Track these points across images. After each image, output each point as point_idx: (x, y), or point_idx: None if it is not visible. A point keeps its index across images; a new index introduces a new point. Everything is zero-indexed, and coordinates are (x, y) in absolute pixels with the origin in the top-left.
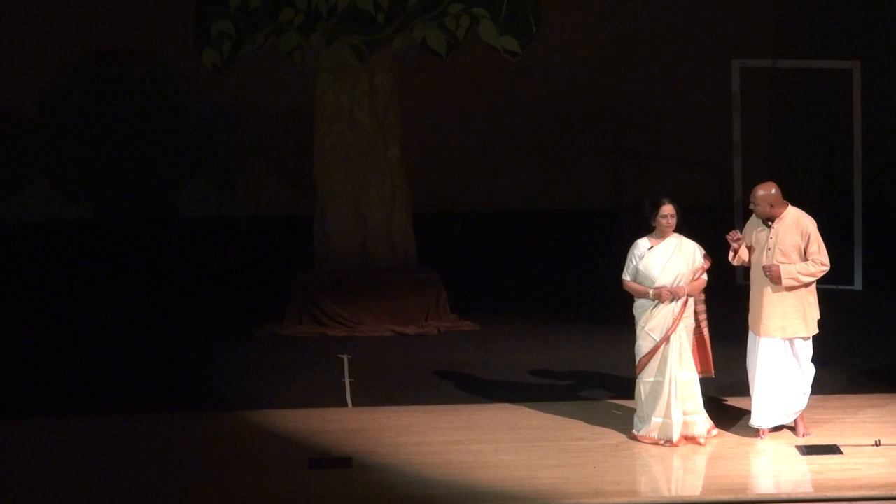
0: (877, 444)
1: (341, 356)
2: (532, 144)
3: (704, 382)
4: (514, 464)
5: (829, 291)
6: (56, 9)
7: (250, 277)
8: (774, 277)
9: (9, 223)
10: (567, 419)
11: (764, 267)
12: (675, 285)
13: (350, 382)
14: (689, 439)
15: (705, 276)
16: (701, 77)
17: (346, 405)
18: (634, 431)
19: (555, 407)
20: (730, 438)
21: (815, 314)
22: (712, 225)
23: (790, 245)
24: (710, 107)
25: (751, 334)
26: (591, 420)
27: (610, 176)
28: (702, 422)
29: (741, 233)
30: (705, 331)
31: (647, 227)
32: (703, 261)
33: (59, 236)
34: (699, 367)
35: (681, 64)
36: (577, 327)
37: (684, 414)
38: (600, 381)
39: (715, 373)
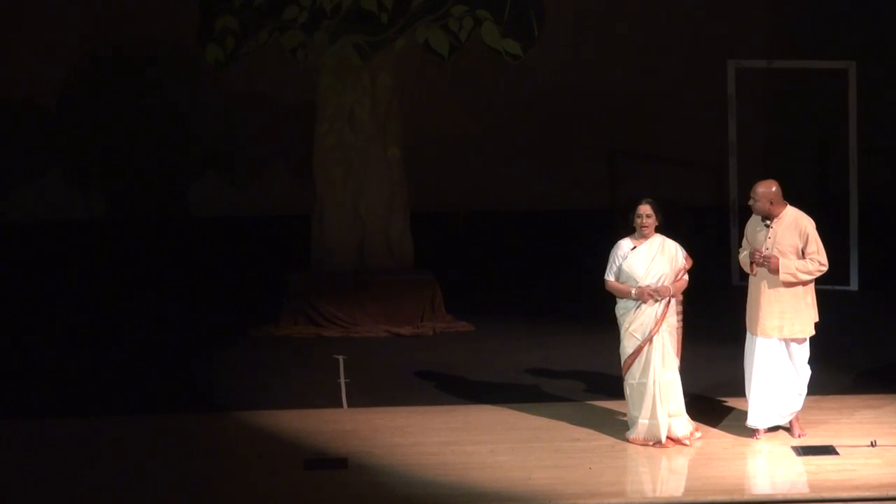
0: (872, 444)
1: (337, 357)
2: (527, 145)
3: (703, 383)
4: (509, 465)
5: (825, 292)
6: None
7: (246, 277)
8: (772, 269)
9: (15, 221)
10: (563, 420)
11: (763, 256)
12: (658, 285)
13: (346, 383)
14: (674, 441)
15: (686, 277)
16: (696, 77)
17: (341, 406)
18: (626, 435)
19: (551, 408)
20: (725, 439)
21: (813, 316)
22: (708, 225)
23: (788, 245)
24: (705, 107)
25: (748, 334)
26: (586, 421)
27: (605, 176)
28: (684, 424)
29: (745, 236)
30: (680, 331)
31: (630, 227)
32: (684, 261)
33: (63, 235)
34: None
35: (676, 64)
36: (572, 328)
37: (669, 415)
38: (596, 381)
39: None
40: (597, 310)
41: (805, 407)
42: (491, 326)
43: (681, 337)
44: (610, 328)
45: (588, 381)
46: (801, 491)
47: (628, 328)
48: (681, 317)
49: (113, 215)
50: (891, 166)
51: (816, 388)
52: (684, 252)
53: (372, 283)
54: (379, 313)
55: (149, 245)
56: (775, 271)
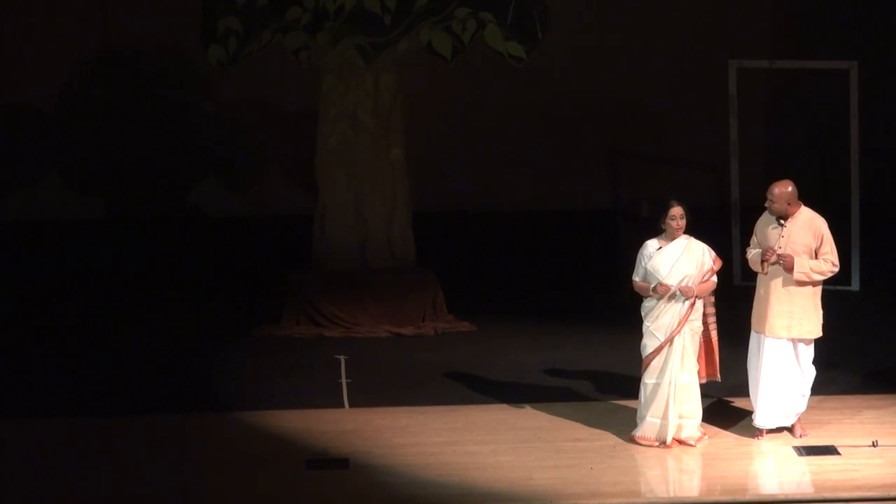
0: (874, 444)
1: (338, 357)
2: (529, 145)
3: (706, 383)
4: (511, 465)
5: (826, 292)
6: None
7: (248, 278)
8: (788, 267)
9: (17, 221)
10: (564, 420)
11: (779, 255)
12: (682, 286)
13: (347, 383)
14: (680, 441)
15: (714, 279)
16: (698, 78)
17: (342, 406)
18: (632, 433)
19: (552, 408)
20: (727, 439)
21: (821, 317)
22: (709, 225)
23: (801, 244)
24: (707, 107)
25: (753, 334)
26: (588, 421)
27: (607, 177)
28: (693, 426)
29: (755, 233)
30: (713, 334)
31: (652, 228)
32: (712, 262)
33: (65, 235)
34: (705, 370)
35: (678, 65)
36: (574, 328)
37: (680, 417)
38: (598, 381)
39: (721, 377)
40: (598, 310)
41: (807, 407)
42: (492, 327)
43: (715, 343)
44: (611, 328)
45: (590, 381)
46: (803, 491)
47: (650, 327)
48: (714, 321)
49: (113, 216)
50: (892, 166)
51: (818, 388)
52: (713, 254)
53: (374, 284)
54: (380, 313)
55: (150, 246)
56: (790, 270)
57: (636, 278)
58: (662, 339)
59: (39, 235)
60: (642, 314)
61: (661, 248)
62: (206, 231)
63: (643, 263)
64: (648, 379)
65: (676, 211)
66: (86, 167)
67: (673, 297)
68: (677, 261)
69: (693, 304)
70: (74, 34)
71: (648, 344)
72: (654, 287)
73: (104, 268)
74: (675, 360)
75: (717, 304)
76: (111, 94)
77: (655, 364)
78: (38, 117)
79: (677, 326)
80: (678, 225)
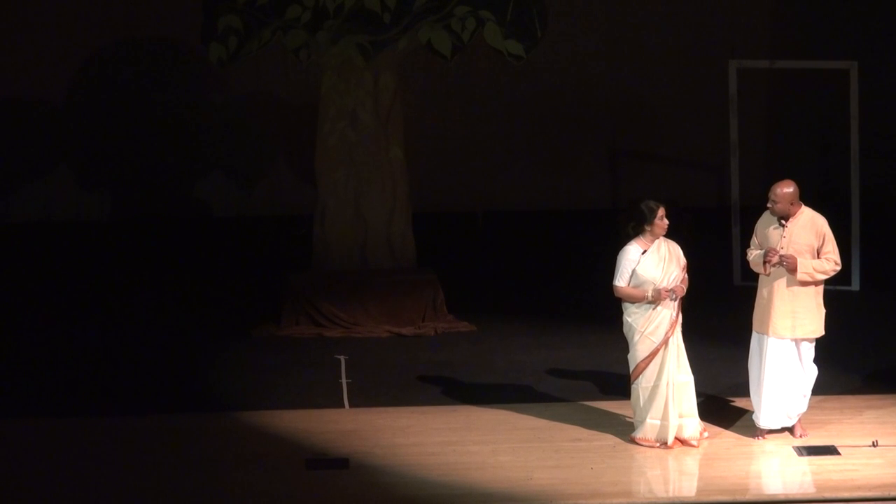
0: (874, 444)
1: (338, 357)
2: (529, 145)
3: (705, 382)
4: (510, 465)
5: (827, 292)
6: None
7: (248, 277)
8: (790, 267)
9: (19, 221)
10: (564, 420)
11: (782, 255)
12: (675, 286)
13: (347, 383)
14: (682, 441)
15: (686, 276)
16: (698, 78)
17: (342, 406)
18: (632, 435)
19: (552, 408)
20: (727, 439)
21: (823, 316)
22: (710, 225)
23: (803, 244)
24: (707, 107)
25: (755, 335)
26: (588, 421)
27: (607, 176)
28: (694, 425)
29: (755, 234)
30: None
31: (637, 230)
32: (684, 259)
33: (65, 234)
34: None
35: (678, 65)
36: (574, 328)
37: (679, 416)
38: (597, 382)
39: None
40: (598, 310)
41: (808, 407)
42: (492, 327)
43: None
44: (611, 328)
45: (589, 381)
46: (803, 491)
47: (644, 331)
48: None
49: (117, 215)
50: (892, 166)
51: (818, 388)
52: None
53: (373, 283)
54: (380, 313)
55: (150, 244)
56: (793, 270)
57: (621, 284)
58: (658, 343)
59: (40, 235)
60: (631, 321)
61: (644, 251)
62: (206, 230)
63: (629, 269)
64: (645, 383)
65: (663, 212)
66: (90, 165)
67: (669, 298)
68: (664, 262)
69: (680, 303)
70: (80, 31)
71: (641, 349)
72: (657, 291)
73: (104, 267)
74: (672, 361)
75: (715, 304)
76: (116, 93)
77: (652, 368)
78: (42, 115)
79: (670, 328)
80: (664, 225)
